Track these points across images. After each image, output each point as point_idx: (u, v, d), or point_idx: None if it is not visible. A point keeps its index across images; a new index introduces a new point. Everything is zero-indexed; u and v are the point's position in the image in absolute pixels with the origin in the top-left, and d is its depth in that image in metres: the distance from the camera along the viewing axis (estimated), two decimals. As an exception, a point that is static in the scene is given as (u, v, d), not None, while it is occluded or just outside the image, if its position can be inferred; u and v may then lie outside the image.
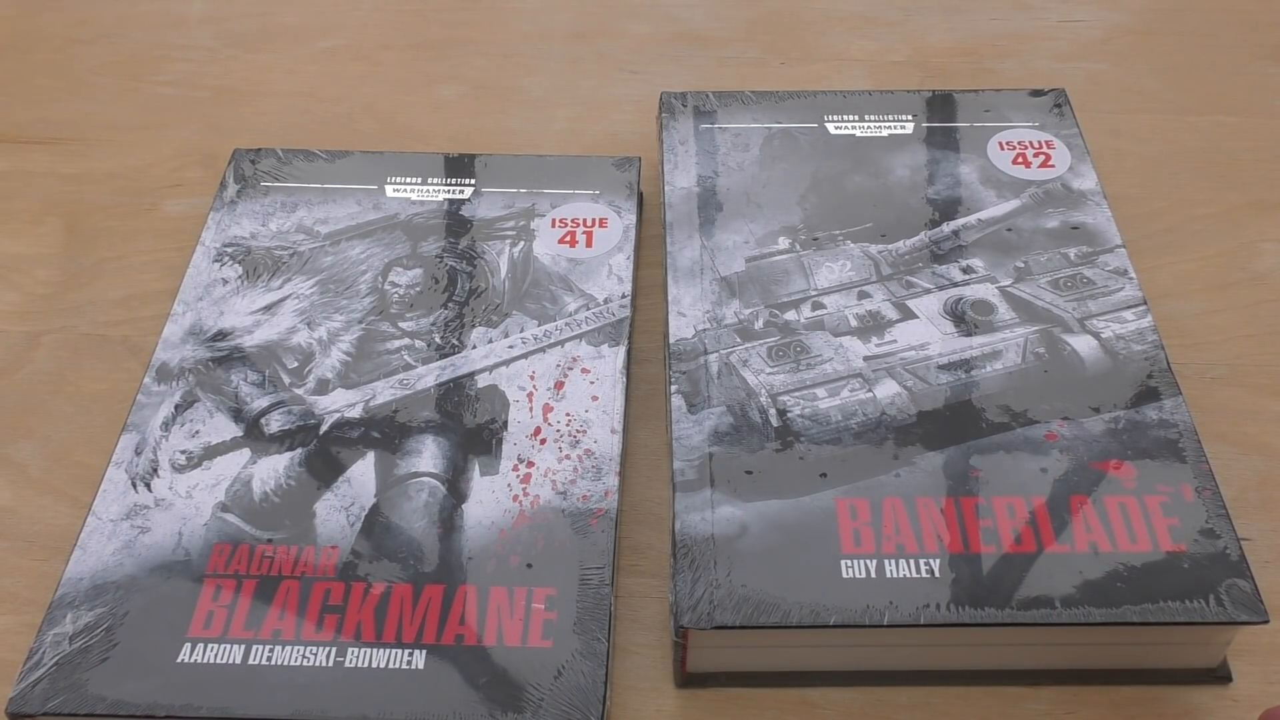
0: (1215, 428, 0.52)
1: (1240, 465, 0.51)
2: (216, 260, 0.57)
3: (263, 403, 0.51)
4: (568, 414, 0.50)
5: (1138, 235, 0.59)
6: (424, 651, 0.43)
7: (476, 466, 0.49)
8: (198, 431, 0.50)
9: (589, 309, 0.55)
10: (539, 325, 0.54)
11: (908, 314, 0.53)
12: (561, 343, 0.53)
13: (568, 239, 0.58)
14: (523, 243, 0.57)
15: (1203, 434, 0.48)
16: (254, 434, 0.50)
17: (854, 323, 0.52)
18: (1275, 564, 0.48)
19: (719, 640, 0.43)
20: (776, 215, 0.57)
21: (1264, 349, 0.56)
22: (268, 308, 0.55)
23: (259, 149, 0.62)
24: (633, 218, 0.59)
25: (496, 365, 0.52)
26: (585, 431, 0.50)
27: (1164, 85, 0.70)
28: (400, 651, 0.43)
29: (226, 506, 0.47)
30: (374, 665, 0.43)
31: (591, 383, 0.52)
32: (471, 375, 0.52)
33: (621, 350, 0.53)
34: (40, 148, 0.67)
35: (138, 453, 0.49)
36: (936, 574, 0.43)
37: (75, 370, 0.56)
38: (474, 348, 0.53)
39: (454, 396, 0.51)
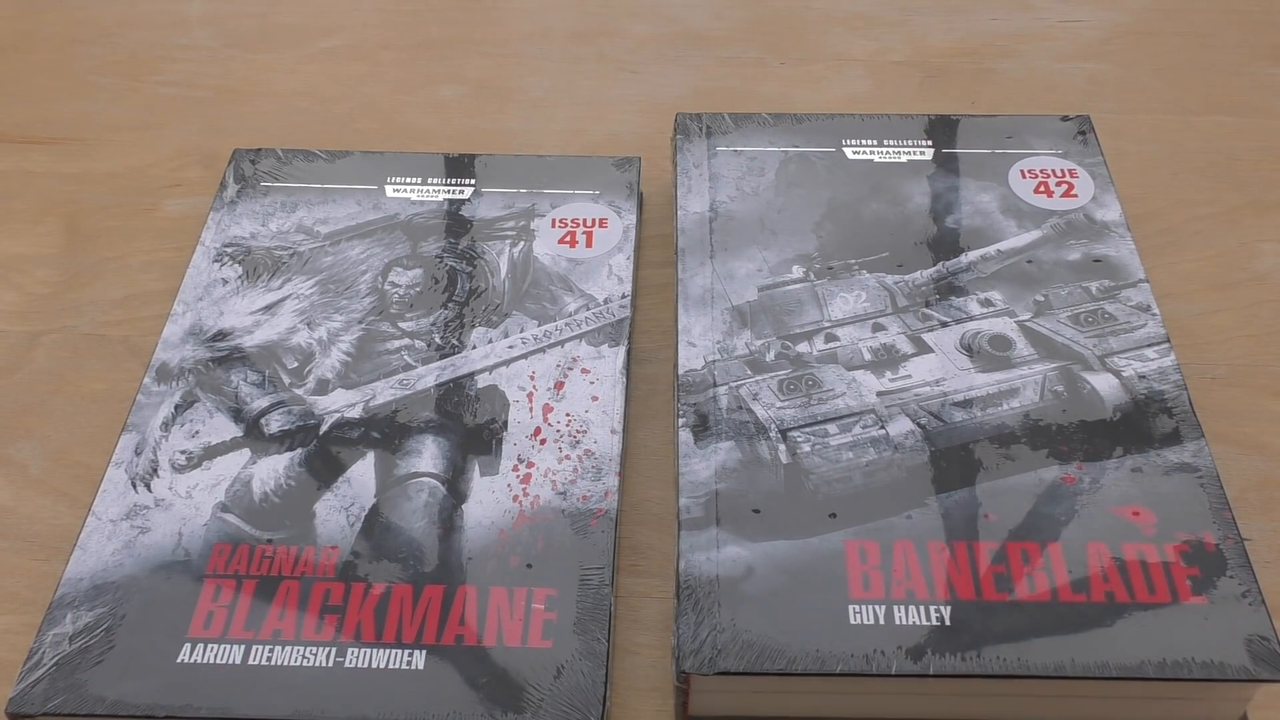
0: (1215, 428, 0.52)
1: (1240, 465, 0.51)
2: (216, 260, 0.57)
3: (263, 403, 0.51)
4: (568, 414, 0.50)
5: (1138, 235, 0.59)
6: (424, 652, 0.43)
7: (476, 467, 0.49)
8: (198, 431, 0.50)
9: (589, 309, 0.55)
10: (539, 325, 0.54)
11: (923, 348, 0.51)
12: (561, 343, 0.53)
13: (568, 239, 0.58)
14: (523, 243, 0.57)
15: (1203, 434, 0.48)
16: (254, 434, 0.50)
17: (868, 356, 0.51)
18: (1275, 564, 0.48)
19: (721, 685, 0.42)
20: (791, 243, 0.56)
21: (1264, 349, 0.56)
22: (268, 308, 0.55)
23: (259, 149, 0.62)
24: (633, 218, 0.59)
25: (496, 365, 0.52)
26: (585, 432, 0.50)
27: (1164, 85, 0.70)
28: (400, 652, 0.43)
29: (226, 506, 0.47)
30: (374, 665, 0.43)
31: (591, 383, 0.52)
32: (471, 375, 0.52)
33: (621, 350, 0.53)
34: (40, 148, 0.67)
35: (138, 453, 0.49)
36: (947, 621, 0.42)
37: (75, 370, 0.56)
38: (474, 348, 0.53)
39: (454, 397, 0.51)
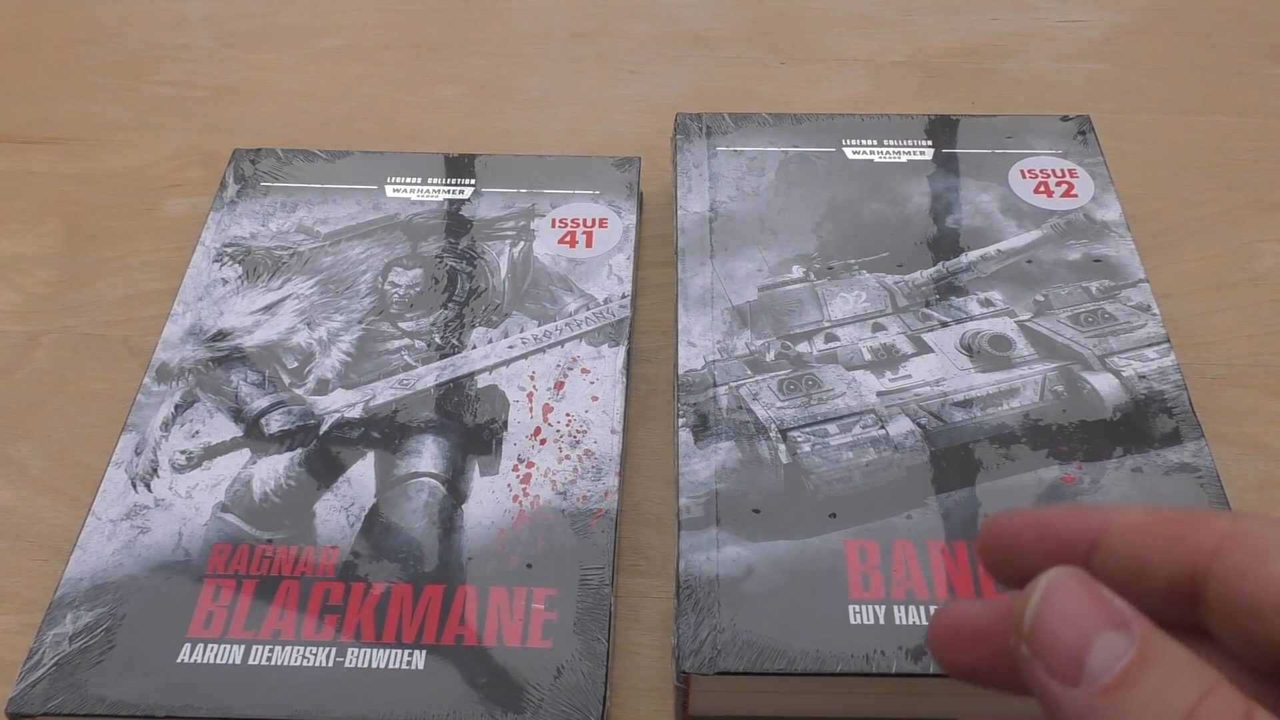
0: (1215, 428, 0.52)
1: (1240, 465, 0.51)
2: (216, 260, 0.57)
3: (263, 403, 0.51)
4: (568, 414, 0.50)
5: (1138, 235, 0.59)
6: (424, 652, 0.43)
7: (476, 467, 0.49)
8: (198, 431, 0.50)
9: (589, 309, 0.55)
10: (539, 325, 0.54)
11: (923, 348, 0.51)
12: (561, 343, 0.53)
13: (568, 239, 0.58)
14: (523, 243, 0.57)
15: (1203, 434, 0.48)
16: (254, 434, 0.50)
17: (868, 356, 0.51)
18: (1275, 564, 0.48)
19: (722, 686, 0.42)
20: (791, 243, 0.56)
21: (1264, 349, 0.56)
22: (268, 308, 0.55)
23: (259, 149, 0.62)
24: (633, 218, 0.59)
25: (496, 365, 0.52)
26: (585, 432, 0.50)
27: (1164, 85, 0.70)
28: (400, 651, 0.43)
29: (226, 506, 0.47)
30: (374, 665, 0.43)
31: (591, 383, 0.52)
32: (471, 375, 0.52)
33: (621, 350, 0.53)
34: (40, 148, 0.67)
35: (138, 453, 0.49)
36: None
37: (75, 370, 0.56)
38: (474, 348, 0.53)
39: (454, 397, 0.51)
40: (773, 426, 0.48)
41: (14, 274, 0.61)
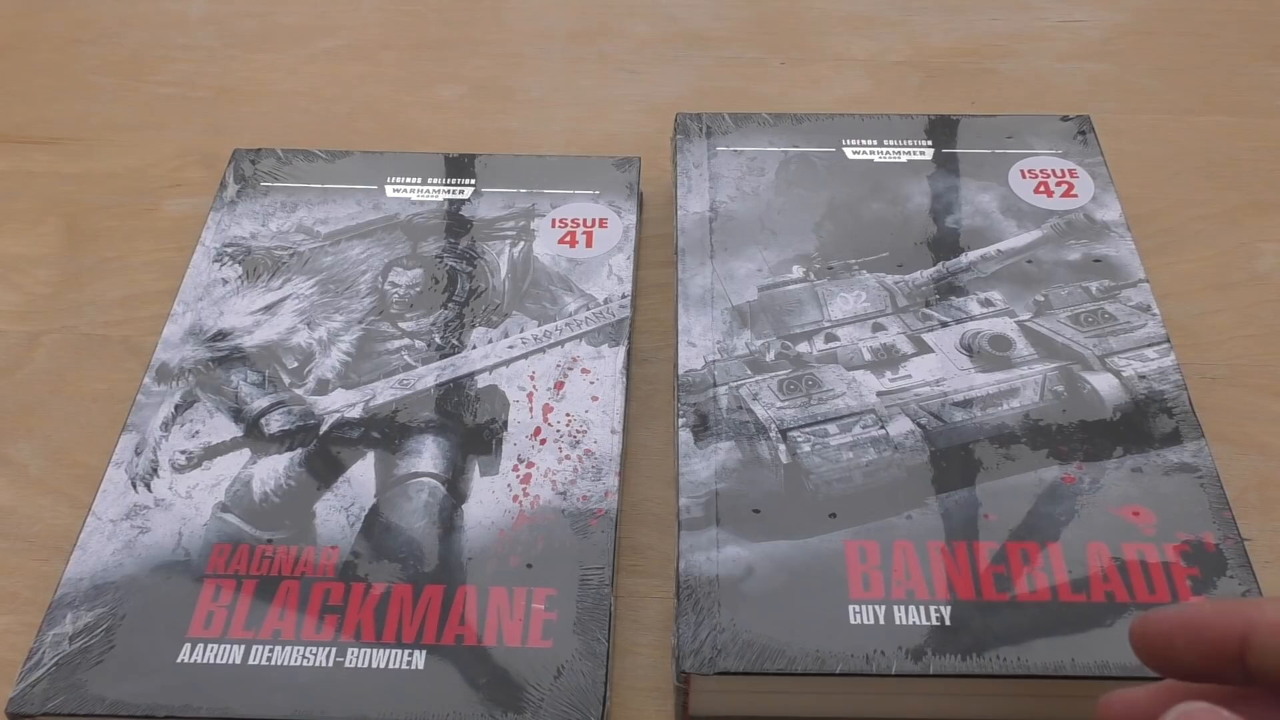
0: (1215, 428, 0.51)
1: (1240, 465, 0.51)
2: (216, 260, 0.57)
3: (263, 403, 0.51)
4: (568, 414, 0.50)
5: (1138, 235, 0.59)
6: (424, 652, 0.43)
7: (476, 467, 0.49)
8: (198, 431, 0.50)
9: (589, 309, 0.55)
10: (539, 325, 0.54)
11: (923, 348, 0.51)
12: (561, 343, 0.53)
13: (568, 239, 0.58)
14: (523, 243, 0.57)
15: (1203, 434, 0.48)
16: (254, 434, 0.50)
17: (868, 356, 0.51)
18: (1275, 564, 0.48)
19: (722, 686, 0.42)
20: (791, 243, 0.56)
21: (1264, 349, 0.56)
22: (268, 308, 0.55)
23: (259, 149, 0.62)
24: (633, 218, 0.59)
25: (496, 365, 0.52)
26: (585, 432, 0.50)
27: (1164, 85, 0.70)
28: (400, 652, 0.43)
29: (226, 506, 0.47)
30: (374, 665, 0.43)
31: (591, 383, 0.52)
32: (471, 375, 0.52)
33: (621, 350, 0.53)
34: (40, 148, 0.67)
35: (138, 453, 0.49)
36: (947, 621, 0.42)
37: (75, 370, 0.56)
38: (474, 348, 0.53)
39: (454, 397, 0.51)
40: (773, 426, 0.48)
41: (14, 274, 0.61)
